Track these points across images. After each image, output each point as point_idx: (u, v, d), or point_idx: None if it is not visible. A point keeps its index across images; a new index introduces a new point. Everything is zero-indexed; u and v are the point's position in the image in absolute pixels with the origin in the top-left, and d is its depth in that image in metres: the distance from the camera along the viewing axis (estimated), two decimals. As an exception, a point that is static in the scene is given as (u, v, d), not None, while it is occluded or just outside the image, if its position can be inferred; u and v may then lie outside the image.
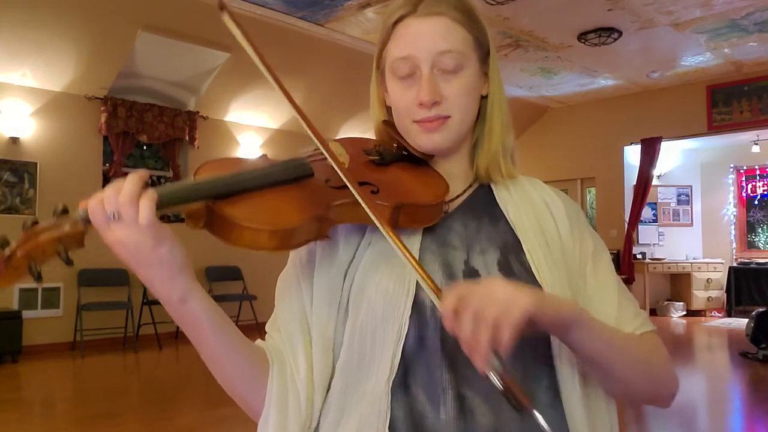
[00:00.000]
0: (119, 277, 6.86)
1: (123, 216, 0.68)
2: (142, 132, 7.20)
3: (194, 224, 0.74)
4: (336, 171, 0.80)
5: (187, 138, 7.53)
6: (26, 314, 6.19)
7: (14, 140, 6.35)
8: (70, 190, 6.62)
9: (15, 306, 6.24)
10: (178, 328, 7.32)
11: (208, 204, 0.73)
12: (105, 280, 6.76)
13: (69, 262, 0.67)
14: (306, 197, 0.78)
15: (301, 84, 7.74)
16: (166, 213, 0.71)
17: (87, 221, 0.69)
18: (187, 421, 4.20)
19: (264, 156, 0.85)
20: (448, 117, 0.85)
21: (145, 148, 7.91)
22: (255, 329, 5.72)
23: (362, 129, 8.14)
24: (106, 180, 7.19)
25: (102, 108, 6.88)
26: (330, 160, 0.79)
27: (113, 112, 6.92)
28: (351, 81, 7.22)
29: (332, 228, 0.80)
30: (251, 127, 8.23)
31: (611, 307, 0.86)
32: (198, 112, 7.63)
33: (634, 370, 0.81)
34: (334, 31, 7.00)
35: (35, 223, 0.67)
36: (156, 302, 7.67)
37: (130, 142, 7.14)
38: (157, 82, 7.13)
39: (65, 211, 0.69)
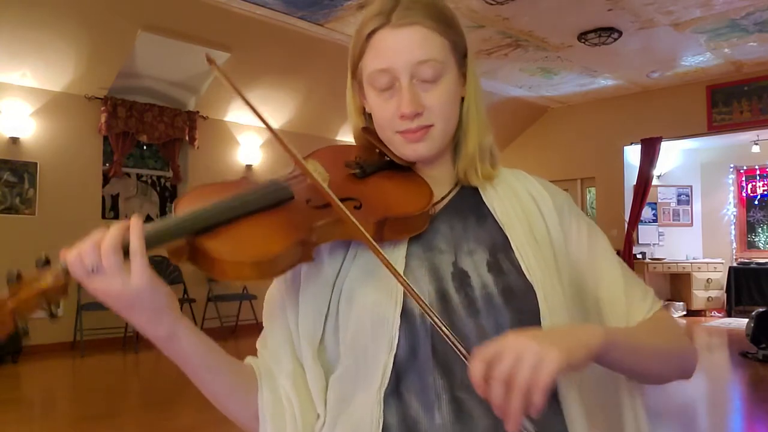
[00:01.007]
0: (119, 277, 6.86)
1: (106, 268, 0.68)
2: (142, 132, 7.19)
3: (177, 260, 0.74)
4: (317, 191, 0.79)
5: (187, 138, 7.53)
6: (26, 314, 6.18)
7: (14, 140, 6.35)
8: (70, 190, 6.63)
9: (15, 306, 6.23)
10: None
11: (189, 240, 0.73)
12: (105, 280, 6.76)
13: (53, 315, 0.69)
14: (288, 221, 0.77)
15: (301, 84, 7.74)
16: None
17: (68, 273, 0.69)
18: (187, 422, 4.20)
19: (244, 178, 0.85)
20: (430, 126, 0.84)
21: (145, 148, 7.91)
22: (255, 329, 5.71)
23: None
24: (106, 180, 7.19)
25: (102, 108, 6.88)
26: (313, 180, 0.79)
27: (113, 112, 6.92)
28: (351, 81, 7.21)
29: (316, 249, 0.80)
30: (251, 127, 8.23)
31: (619, 292, 0.88)
32: (198, 112, 7.63)
33: (666, 363, 0.84)
34: (334, 31, 6.99)
35: (19, 276, 0.68)
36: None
37: (130, 142, 7.14)
38: (157, 82, 7.13)
39: (47, 262, 0.70)
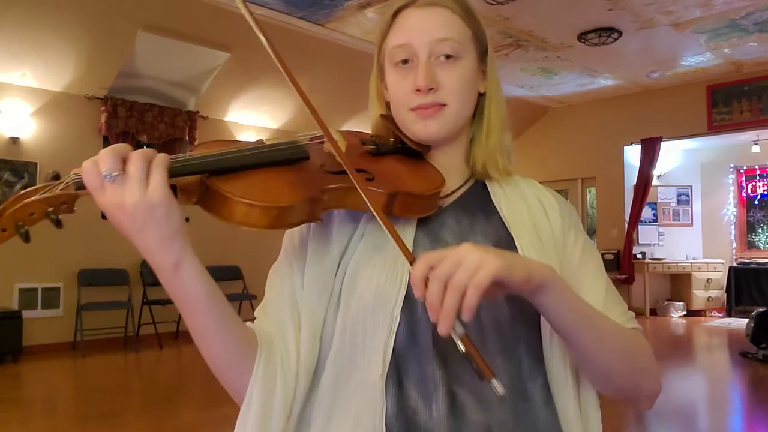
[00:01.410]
0: (119, 277, 6.87)
1: (130, 174, 0.66)
2: (142, 132, 7.20)
3: (187, 199, 0.74)
4: (333, 156, 0.80)
5: (187, 138, 7.53)
6: (26, 314, 6.19)
7: (14, 140, 6.36)
8: (70, 190, 6.62)
9: (15, 306, 6.24)
10: (178, 327, 7.34)
11: (203, 179, 0.73)
12: (105, 279, 6.77)
13: (59, 223, 0.66)
14: (300, 179, 0.78)
15: (301, 84, 7.69)
16: None
17: (79, 185, 0.67)
18: (188, 421, 4.20)
19: (260, 141, 0.85)
20: (444, 105, 0.85)
21: (145, 147, 7.92)
22: (255, 329, 5.71)
23: (362, 129, 8.08)
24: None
25: (102, 108, 6.88)
26: (329, 142, 0.80)
27: (113, 112, 6.93)
28: (351, 81, 7.22)
29: (325, 212, 0.80)
30: (251, 127, 8.23)
31: (597, 304, 0.85)
32: (198, 112, 7.63)
33: (614, 355, 0.79)
34: (334, 31, 7.00)
35: (27, 186, 0.68)
36: (156, 302, 7.65)
37: (130, 141, 7.14)
38: (157, 82, 7.13)
39: (56, 177, 0.68)
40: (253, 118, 8.18)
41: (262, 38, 0.79)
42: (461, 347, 0.65)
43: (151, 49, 6.49)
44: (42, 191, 0.66)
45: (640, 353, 0.84)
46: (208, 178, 0.73)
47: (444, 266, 0.65)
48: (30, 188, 0.67)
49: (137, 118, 7.13)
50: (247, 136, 8.18)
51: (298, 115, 8.21)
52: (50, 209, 0.66)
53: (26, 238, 0.66)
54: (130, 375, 6.02)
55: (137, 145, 7.49)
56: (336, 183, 0.78)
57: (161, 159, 0.69)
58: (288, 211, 0.73)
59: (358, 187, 0.76)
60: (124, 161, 0.67)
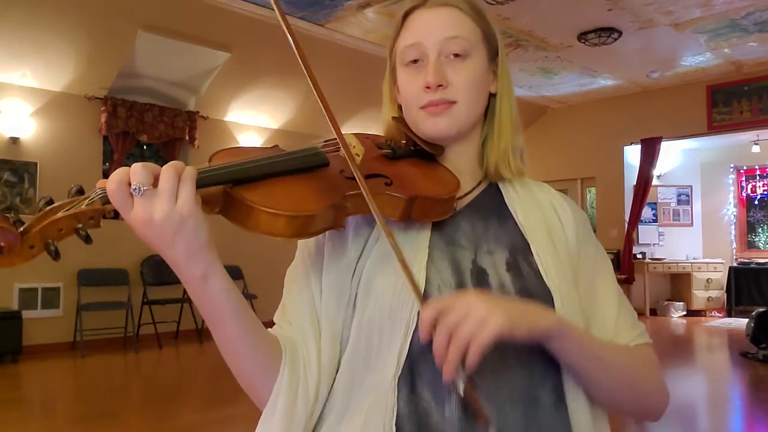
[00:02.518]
0: (119, 277, 6.87)
1: (162, 189, 0.66)
2: (142, 132, 7.20)
3: (210, 209, 0.73)
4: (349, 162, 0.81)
5: (187, 138, 7.53)
6: (26, 314, 6.19)
7: (14, 140, 6.35)
8: (70, 190, 6.62)
9: (15, 306, 6.24)
10: (178, 327, 7.35)
11: (226, 189, 0.72)
12: (105, 280, 6.77)
13: (88, 239, 0.66)
14: (322, 186, 0.77)
15: (301, 84, 7.74)
16: None
17: (105, 200, 0.66)
18: (188, 421, 4.20)
19: (276, 146, 0.85)
20: (454, 102, 0.86)
21: (145, 148, 7.91)
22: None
23: (362, 129, 8.06)
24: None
25: (102, 108, 6.88)
26: (344, 150, 0.79)
27: (113, 112, 6.93)
28: (351, 81, 7.22)
29: (347, 218, 0.80)
30: (251, 127, 8.23)
31: (610, 317, 0.87)
32: (198, 112, 7.63)
33: (617, 383, 0.83)
34: (334, 31, 7.00)
35: (50, 201, 0.66)
36: (156, 302, 7.65)
37: (130, 142, 7.14)
38: (157, 82, 7.13)
39: (80, 191, 0.68)
40: (253, 118, 8.18)
41: (290, 39, 0.80)
42: (461, 392, 0.70)
43: (151, 49, 6.49)
44: (67, 207, 0.66)
45: (648, 376, 0.86)
46: (231, 188, 0.72)
47: (451, 317, 0.68)
48: (55, 204, 0.66)
49: (137, 118, 7.13)
50: (247, 136, 8.18)
51: (298, 115, 8.21)
52: (79, 225, 0.66)
53: (56, 255, 0.65)
54: (130, 375, 6.02)
55: (137, 145, 7.50)
56: (357, 189, 0.78)
57: (190, 172, 0.68)
58: (313, 219, 0.73)
59: (367, 198, 0.76)
60: (155, 177, 0.67)
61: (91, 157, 6.91)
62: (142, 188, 0.66)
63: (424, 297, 0.77)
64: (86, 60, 6.38)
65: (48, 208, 0.66)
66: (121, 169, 0.67)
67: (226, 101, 7.77)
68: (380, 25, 6.77)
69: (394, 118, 0.94)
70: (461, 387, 0.69)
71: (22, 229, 0.64)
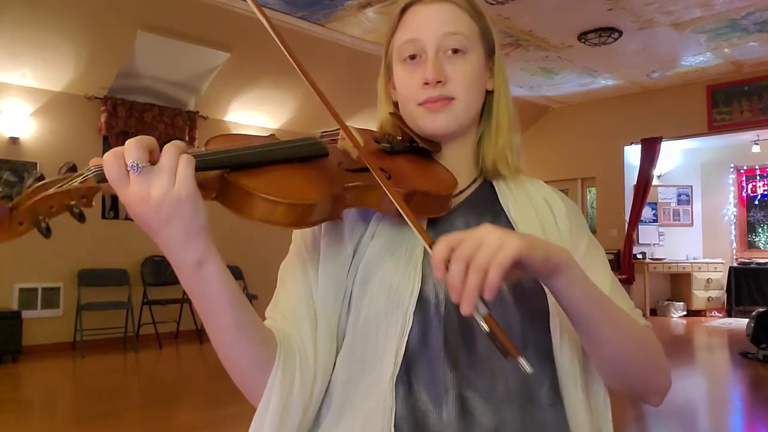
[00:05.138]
0: (119, 277, 6.86)
1: (161, 166, 0.64)
2: (142, 132, 7.18)
3: (206, 195, 0.70)
4: (349, 153, 0.80)
5: (187, 138, 7.52)
6: (26, 314, 6.19)
7: (14, 140, 6.35)
8: (70, 190, 6.62)
9: (15, 306, 6.24)
10: (178, 327, 7.34)
11: (224, 174, 0.70)
12: (105, 280, 6.76)
13: (82, 217, 0.63)
14: (320, 176, 0.76)
15: (301, 84, 7.72)
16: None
17: (101, 177, 0.64)
18: (187, 421, 4.20)
19: (272, 135, 0.84)
20: (452, 98, 0.85)
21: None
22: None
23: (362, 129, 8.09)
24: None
25: (102, 108, 6.88)
26: (350, 140, 0.79)
27: (113, 112, 6.92)
28: (351, 81, 7.22)
29: (345, 210, 0.79)
30: (251, 127, 8.23)
31: None
32: (198, 112, 7.63)
33: (627, 344, 0.79)
34: (334, 31, 6.99)
35: (40, 178, 0.63)
36: (156, 302, 7.64)
37: (130, 142, 7.14)
38: (157, 82, 7.13)
39: (73, 168, 0.65)
40: (253, 118, 8.18)
41: (275, 36, 0.78)
42: (484, 327, 0.65)
43: (151, 49, 6.49)
44: (60, 184, 0.63)
45: (652, 347, 0.84)
46: (229, 173, 0.70)
47: (465, 247, 0.64)
48: (46, 180, 0.63)
49: (137, 118, 7.13)
50: (247, 136, 8.18)
51: (298, 114, 8.21)
52: (72, 202, 0.63)
53: (47, 232, 0.62)
54: (130, 375, 6.01)
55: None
56: (356, 181, 0.77)
57: (188, 155, 0.66)
58: (313, 208, 0.72)
59: (382, 185, 0.75)
60: (151, 153, 0.65)
61: (90, 157, 6.53)
62: (139, 165, 0.63)
63: (419, 298, 0.77)
64: (86, 60, 6.38)
65: (38, 184, 0.62)
66: (115, 148, 0.65)
67: (226, 101, 7.77)
68: (380, 25, 6.76)
69: (391, 113, 0.93)
70: (483, 320, 0.65)
71: (11, 204, 0.61)
